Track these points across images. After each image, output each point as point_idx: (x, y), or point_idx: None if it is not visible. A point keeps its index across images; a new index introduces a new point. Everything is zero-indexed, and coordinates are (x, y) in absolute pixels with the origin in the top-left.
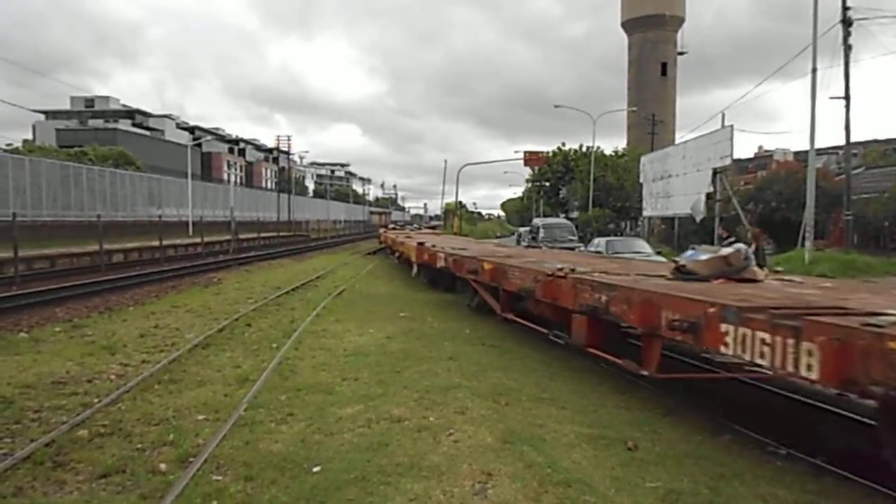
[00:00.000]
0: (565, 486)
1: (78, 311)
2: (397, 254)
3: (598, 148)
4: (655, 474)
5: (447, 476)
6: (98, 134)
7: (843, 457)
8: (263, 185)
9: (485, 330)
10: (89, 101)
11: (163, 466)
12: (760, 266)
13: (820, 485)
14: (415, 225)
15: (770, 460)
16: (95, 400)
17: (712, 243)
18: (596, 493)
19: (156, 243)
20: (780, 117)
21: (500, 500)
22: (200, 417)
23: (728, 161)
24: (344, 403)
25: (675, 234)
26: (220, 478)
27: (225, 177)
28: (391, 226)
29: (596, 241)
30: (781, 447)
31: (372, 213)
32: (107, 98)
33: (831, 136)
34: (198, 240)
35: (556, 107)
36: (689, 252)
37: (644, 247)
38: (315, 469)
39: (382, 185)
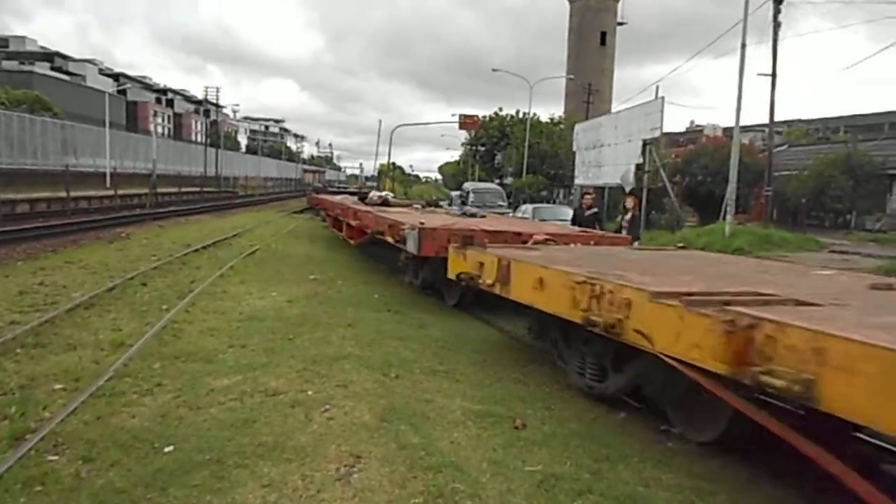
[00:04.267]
0: (435, 472)
1: None
2: None
3: (535, 115)
4: (538, 456)
5: (311, 458)
6: (12, 76)
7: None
8: (193, 138)
9: (395, 296)
10: (3, 41)
11: None
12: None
13: (707, 467)
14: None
15: (661, 440)
16: None
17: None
18: (467, 480)
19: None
20: (708, 93)
21: (363, 486)
22: (57, 387)
23: (658, 133)
24: (221, 374)
25: (605, 203)
26: (55, 458)
27: (151, 128)
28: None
29: (523, 207)
30: (674, 427)
31: (306, 171)
32: (23, 38)
33: (758, 113)
34: (112, 192)
35: (494, 70)
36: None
37: (568, 214)
38: (167, 449)
39: (318, 144)
